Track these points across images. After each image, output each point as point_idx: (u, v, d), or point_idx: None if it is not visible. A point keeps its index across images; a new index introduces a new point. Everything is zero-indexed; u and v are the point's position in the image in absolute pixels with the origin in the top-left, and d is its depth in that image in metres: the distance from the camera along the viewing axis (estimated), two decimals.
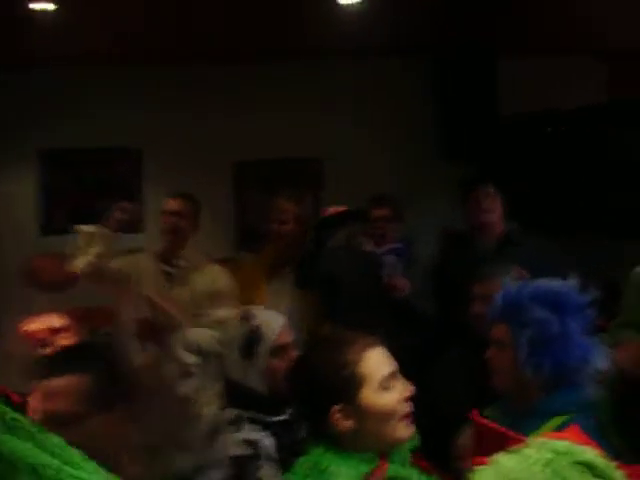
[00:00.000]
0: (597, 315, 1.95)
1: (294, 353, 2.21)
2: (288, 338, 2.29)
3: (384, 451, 1.58)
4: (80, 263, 3.66)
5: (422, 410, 1.74)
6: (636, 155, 4.41)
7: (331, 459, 1.54)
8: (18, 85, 5.16)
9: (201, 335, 3.55)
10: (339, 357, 1.62)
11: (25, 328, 3.63)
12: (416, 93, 5.09)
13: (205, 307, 3.65)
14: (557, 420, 1.81)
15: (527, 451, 1.03)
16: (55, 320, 3.57)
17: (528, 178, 4.68)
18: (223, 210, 5.07)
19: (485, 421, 1.43)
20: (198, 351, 3.52)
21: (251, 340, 2.24)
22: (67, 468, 0.98)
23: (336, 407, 1.57)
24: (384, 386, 1.60)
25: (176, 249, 3.73)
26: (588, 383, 1.88)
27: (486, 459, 1.04)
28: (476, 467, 1.05)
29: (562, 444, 1.03)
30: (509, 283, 2.10)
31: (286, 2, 4.20)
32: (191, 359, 3.50)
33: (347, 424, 1.57)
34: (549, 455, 1.00)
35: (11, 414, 0.95)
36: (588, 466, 1.00)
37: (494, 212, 3.82)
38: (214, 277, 3.73)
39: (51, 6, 4.10)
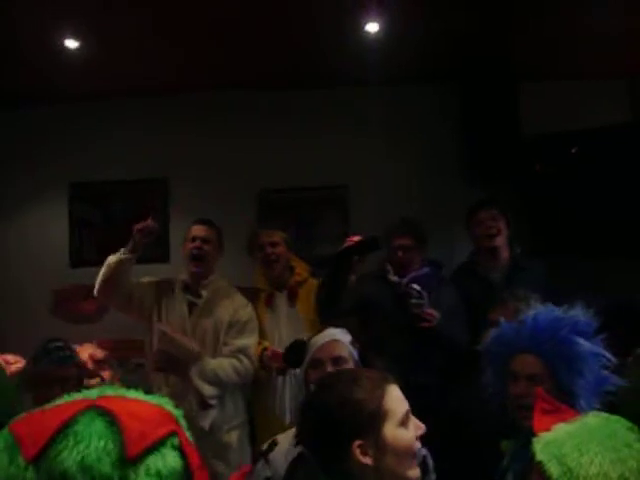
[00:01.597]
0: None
1: (330, 369, 2.28)
2: (325, 354, 2.34)
3: None
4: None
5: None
6: None
7: None
8: (49, 119, 5.26)
9: (220, 366, 3.55)
10: (363, 392, 1.60)
11: None
12: (440, 118, 5.09)
13: (228, 336, 3.68)
14: None
15: (584, 419, 1.28)
16: (96, 351, 3.62)
17: (555, 199, 4.65)
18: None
19: (550, 397, 1.47)
20: (217, 382, 3.52)
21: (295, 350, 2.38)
22: None
23: (358, 442, 1.54)
24: (403, 422, 1.59)
25: (202, 277, 3.75)
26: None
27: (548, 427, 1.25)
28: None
29: (608, 414, 1.30)
30: (535, 313, 2.10)
31: (313, 29, 4.25)
32: (210, 391, 3.50)
33: (366, 460, 1.54)
34: (602, 419, 1.26)
35: None
36: (631, 429, 1.23)
37: (498, 235, 3.80)
38: (236, 307, 3.75)
39: (77, 43, 4.22)
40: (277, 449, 2.18)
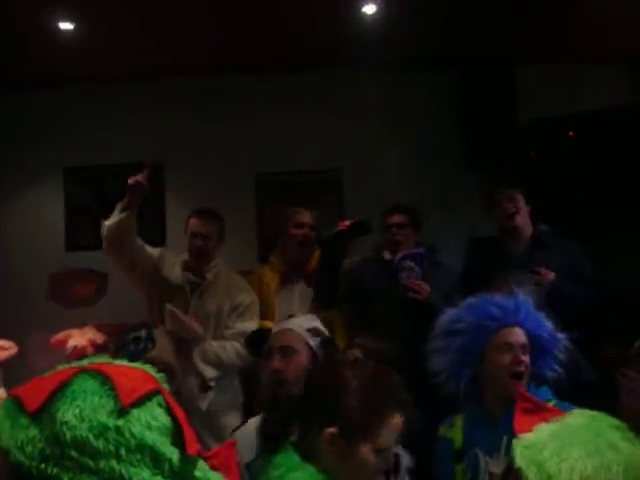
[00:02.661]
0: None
1: (275, 359, 2.31)
2: (274, 343, 2.37)
3: None
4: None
5: None
6: None
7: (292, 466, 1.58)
8: (43, 103, 5.22)
9: (223, 348, 3.56)
10: (365, 400, 1.60)
11: (69, 344, 3.68)
12: (439, 102, 5.08)
13: (230, 320, 3.68)
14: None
15: (566, 418, 1.22)
16: (97, 336, 3.62)
17: (553, 182, 4.65)
18: (245, 222, 5.08)
19: (531, 396, 1.49)
20: (219, 364, 3.54)
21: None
22: None
23: (333, 430, 1.57)
24: (379, 452, 1.59)
25: (203, 265, 3.75)
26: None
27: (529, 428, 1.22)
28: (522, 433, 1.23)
29: (594, 412, 1.24)
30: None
31: (310, 13, 4.23)
32: (212, 373, 3.52)
33: (331, 449, 1.57)
34: (586, 419, 1.20)
35: None
36: (618, 427, 1.18)
37: (518, 214, 3.80)
38: (239, 290, 3.75)
39: (71, 25, 4.18)
40: (245, 426, 2.23)
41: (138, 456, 0.98)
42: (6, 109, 5.23)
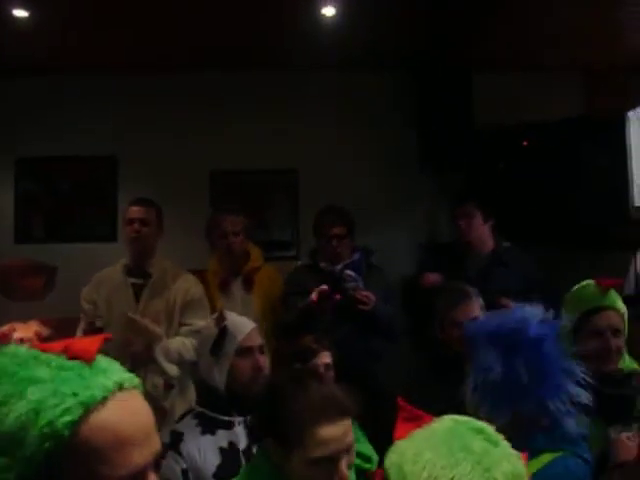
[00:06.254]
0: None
1: (260, 358, 2.33)
2: (254, 342, 2.37)
3: None
4: None
5: None
6: (606, 168, 4.48)
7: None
8: None
9: (184, 345, 3.54)
10: (306, 405, 1.61)
11: (15, 336, 3.60)
12: (395, 106, 5.11)
13: (186, 317, 3.66)
14: (548, 456, 1.78)
15: (434, 424, 1.32)
16: (43, 329, 3.54)
17: (504, 190, 4.71)
18: (198, 220, 5.04)
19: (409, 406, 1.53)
20: (181, 362, 3.52)
21: (220, 339, 2.34)
22: None
23: (271, 440, 1.61)
24: (313, 463, 1.58)
25: (144, 258, 3.70)
26: (569, 417, 1.81)
27: (405, 435, 1.31)
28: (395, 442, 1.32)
29: (462, 417, 1.32)
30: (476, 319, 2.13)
31: (267, 13, 4.20)
32: (175, 371, 3.50)
33: (275, 456, 1.61)
34: (451, 423, 1.30)
35: None
36: (479, 431, 1.27)
37: (470, 230, 3.85)
38: (188, 285, 3.71)
39: (25, 13, 4.09)
40: (186, 438, 2.19)
41: None
42: None
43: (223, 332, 2.36)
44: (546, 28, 4.38)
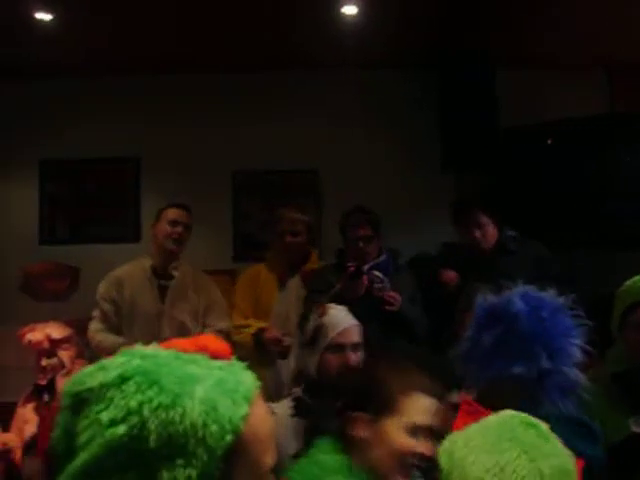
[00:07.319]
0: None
1: (352, 355, 2.33)
2: (347, 339, 2.36)
3: None
4: None
5: None
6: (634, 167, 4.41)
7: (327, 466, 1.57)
8: (20, 95, 5.16)
9: None
10: (395, 380, 1.62)
11: (26, 338, 3.63)
12: (417, 105, 5.07)
13: (210, 319, 3.70)
14: None
15: (490, 417, 1.41)
16: (55, 331, 3.57)
17: (528, 190, 4.66)
18: (221, 220, 5.05)
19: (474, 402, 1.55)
20: None
21: (315, 333, 2.38)
22: None
23: (362, 414, 1.59)
24: (412, 431, 1.58)
25: (172, 260, 3.73)
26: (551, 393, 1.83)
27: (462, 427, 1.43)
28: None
29: (519, 413, 1.40)
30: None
31: (288, 13, 4.21)
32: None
33: (361, 433, 1.58)
34: (505, 417, 1.39)
35: None
36: (532, 425, 1.35)
37: (493, 238, 3.81)
38: (209, 290, 3.78)
39: (50, 17, 4.12)
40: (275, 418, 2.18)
41: None
42: None
43: (319, 327, 2.38)
44: (569, 25, 4.34)
